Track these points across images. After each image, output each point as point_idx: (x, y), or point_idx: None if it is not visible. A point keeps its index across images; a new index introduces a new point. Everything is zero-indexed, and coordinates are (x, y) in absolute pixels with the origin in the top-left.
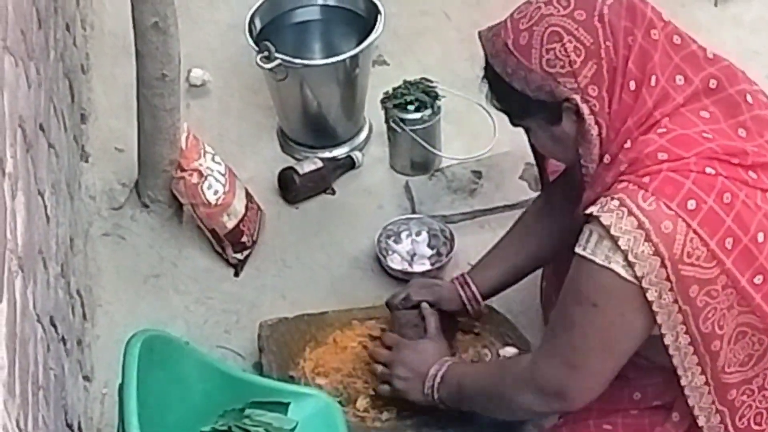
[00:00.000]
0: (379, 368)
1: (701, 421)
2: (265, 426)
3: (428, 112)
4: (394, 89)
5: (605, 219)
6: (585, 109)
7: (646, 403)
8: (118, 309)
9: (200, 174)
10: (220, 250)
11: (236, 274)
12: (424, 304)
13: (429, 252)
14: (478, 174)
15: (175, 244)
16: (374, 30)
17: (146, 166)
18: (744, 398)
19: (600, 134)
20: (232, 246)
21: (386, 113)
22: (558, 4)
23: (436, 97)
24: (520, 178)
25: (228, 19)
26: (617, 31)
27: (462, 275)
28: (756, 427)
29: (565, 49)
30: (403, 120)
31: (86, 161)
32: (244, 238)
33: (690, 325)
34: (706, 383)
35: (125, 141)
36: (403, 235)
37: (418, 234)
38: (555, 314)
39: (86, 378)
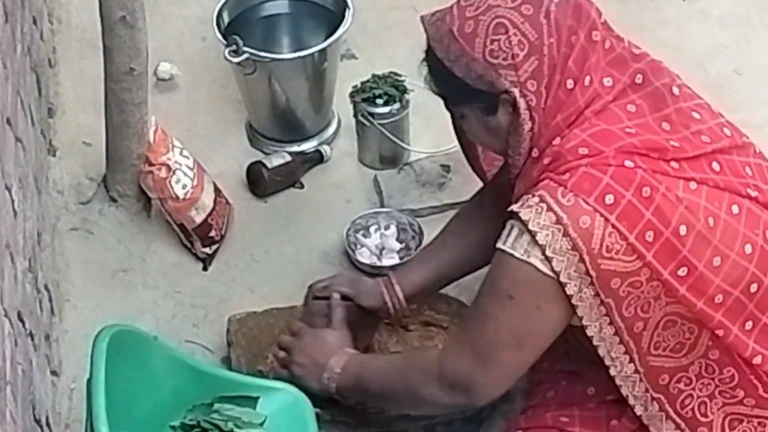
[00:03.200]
0: (281, 353)
1: (639, 410)
2: (233, 420)
3: (397, 106)
4: (363, 83)
5: (524, 214)
6: (522, 103)
7: (600, 397)
8: (86, 304)
9: (168, 168)
10: (188, 245)
11: (205, 269)
12: (335, 295)
13: (398, 246)
14: (446, 168)
15: (144, 238)
16: (342, 24)
17: (114, 161)
18: (681, 386)
19: (532, 129)
20: (200, 240)
21: (355, 107)
22: None
23: (404, 91)
24: None
25: (196, 13)
26: (562, 29)
27: (387, 276)
28: (702, 418)
29: (510, 42)
30: (371, 114)
31: (54, 155)
32: (213, 233)
33: (614, 316)
34: (636, 371)
35: (93, 135)
36: (372, 229)
37: (386, 228)
38: (470, 307)
39: (54, 373)
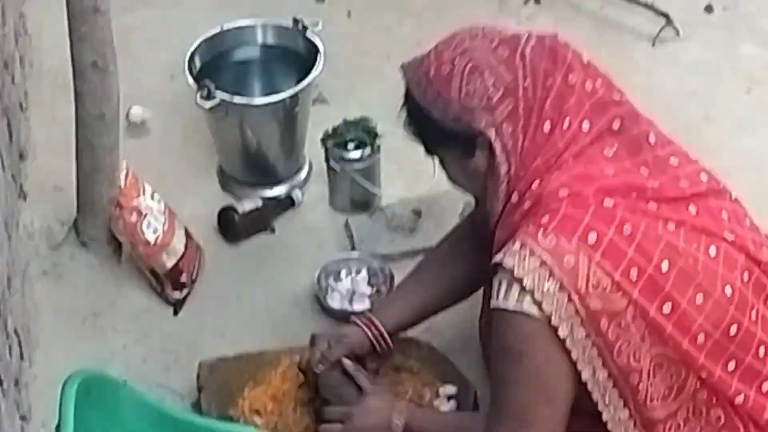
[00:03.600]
0: None
1: None
2: None
3: (368, 151)
4: (335, 128)
5: (508, 263)
6: (498, 145)
7: None
8: (56, 348)
9: (139, 213)
10: (159, 289)
11: (175, 313)
12: (347, 362)
13: (369, 290)
14: (418, 213)
15: (114, 283)
16: (314, 69)
17: (85, 205)
18: None
19: (509, 172)
20: (171, 285)
21: (326, 152)
22: (482, 40)
23: (376, 136)
24: (460, 216)
25: (168, 58)
26: (537, 72)
27: (366, 315)
28: None
29: (485, 84)
30: (343, 159)
31: (24, 199)
32: (184, 278)
33: (606, 358)
34: (630, 417)
35: (64, 179)
36: (343, 273)
37: (357, 272)
38: (491, 375)
39: (23, 418)
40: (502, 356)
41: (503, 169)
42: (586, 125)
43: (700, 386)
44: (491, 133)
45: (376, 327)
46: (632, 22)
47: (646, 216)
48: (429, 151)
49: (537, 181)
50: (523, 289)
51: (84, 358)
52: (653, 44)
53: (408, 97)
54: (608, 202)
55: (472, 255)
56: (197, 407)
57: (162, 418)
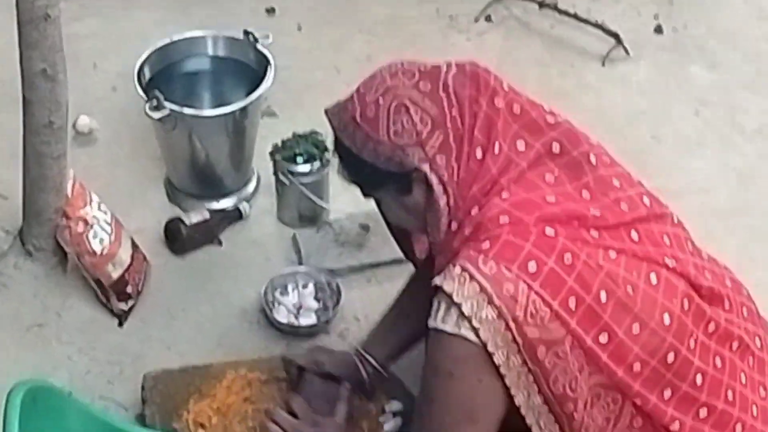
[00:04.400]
0: (273, 427)
1: None
2: None
3: (317, 165)
4: (284, 141)
5: (448, 287)
6: (434, 178)
7: None
8: (0, 358)
9: (86, 222)
10: (104, 300)
11: (120, 325)
12: (346, 385)
13: (315, 305)
14: (365, 227)
15: (60, 293)
16: (264, 81)
17: (31, 214)
18: None
19: (448, 203)
20: (116, 296)
21: (275, 165)
22: (403, 76)
23: (325, 150)
24: None
25: (117, 68)
26: (462, 100)
27: (358, 350)
28: None
29: (412, 120)
30: (291, 172)
31: None
32: (129, 289)
33: (542, 385)
34: None
35: (10, 188)
36: (290, 287)
37: (304, 287)
38: (420, 391)
39: None
40: (432, 374)
41: (442, 201)
42: (521, 146)
43: (636, 414)
44: (425, 168)
45: (370, 363)
46: (582, 42)
47: (587, 245)
48: (366, 194)
49: (476, 208)
50: (461, 314)
51: (28, 369)
52: (603, 64)
53: (337, 143)
54: (549, 231)
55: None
56: (141, 419)
57: (107, 430)
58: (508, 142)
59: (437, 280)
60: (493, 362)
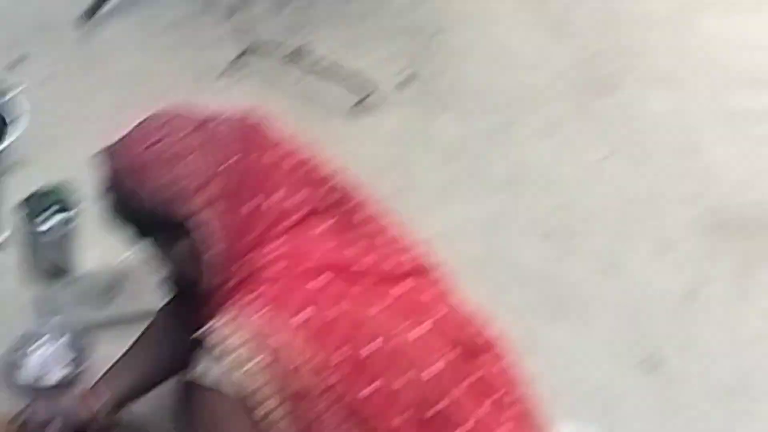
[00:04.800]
0: None
1: None
2: None
3: (65, 217)
4: (31, 194)
5: (214, 337)
6: (202, 230)
7: None
8: None
9: None
10: None
11: None
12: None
13: (63, 362)
14: (116, 281)
15: None
16: (6, 136)
17: None
18: None
19: (217, 254)
20: None
21: (22, 219)
22: (172, 129)
23: (73, 203)
24: (159, 285)
25: None
26: (231, 155)
27: (91, 387)
28: None
29: (181, 173)
30: (38, 226)
31: None
32: None
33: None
34: None
35: None
36: (36, 345)
37: (51, 344)
38: None
39: None
40: (196, 426)
41: (211, 251)
42: (292, 199)
43: None
44: (192, 221)
45: (100, 400)
46: (329, 95)
47: (354, 299)
48: (137, 238)
49: (246, 258)
50: (225, 365)
51: None
52: (350, 116)
53: (107, 189)
54: (318, 282)
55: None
56: None
57: None
58: (281, 194)
59: (202, 331)
60: (254, 415)
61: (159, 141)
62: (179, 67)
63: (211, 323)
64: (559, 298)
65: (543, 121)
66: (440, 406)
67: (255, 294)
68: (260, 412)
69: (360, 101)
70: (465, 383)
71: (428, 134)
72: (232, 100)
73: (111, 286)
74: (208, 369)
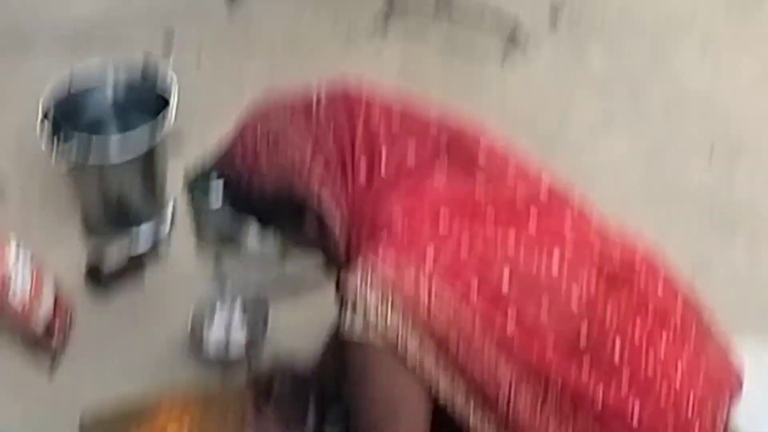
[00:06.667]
0: None
1: None
2: None
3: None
4: (192, 166)
5: (351, 294)
6: (324, 207)
7: None
8: None
9: (4, 280)
10: (31, 352)
11: (51, 371)
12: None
13: (243, 330)
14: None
15: None
16: (164, 116)
17: None
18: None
19: (341, 225)
20: (44, 344)
21: (186, 191)
22: (274, 115)
23: None
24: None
25: (19, 117)
26: (338, 126)
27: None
28: None
29: (293, 154)
30: (204, 196)
31: None
32: (56, 335)
33: (459, 375)
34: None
35: None
36: (216, 316)
37: (231, 311)
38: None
39: None
40: (350, 380)
41: (336, 224)
42: (407, 156)
43: (561, 394)
44: (314, 199)
45: None
46: (482, 44)
47: (484, 227)
48: (262, 225)
49: (370, 217)
50: (367, 319)
51: None
52: (502, 61)
53: (225, 184)
54: (444, 215)
55: None
56: None
57: None
58: (396, 153)
59: (339, 287)
60: (407, 361)
61: (265, 131)
62: (328, 32)
63: (347, 280)
64: (733, 217)
65: (697, 44)
66: (589, 328)
67: (379, 242)
68: (410, 360)
69: (510, 42)
70: (610, 304)
71: (582, 68)
72: (384, 61)
73: (280, 249)
74: (352, 324)
